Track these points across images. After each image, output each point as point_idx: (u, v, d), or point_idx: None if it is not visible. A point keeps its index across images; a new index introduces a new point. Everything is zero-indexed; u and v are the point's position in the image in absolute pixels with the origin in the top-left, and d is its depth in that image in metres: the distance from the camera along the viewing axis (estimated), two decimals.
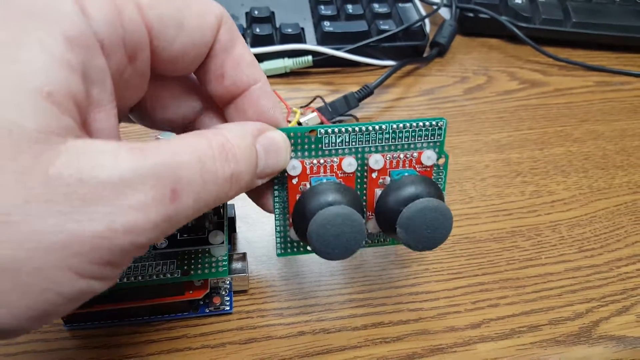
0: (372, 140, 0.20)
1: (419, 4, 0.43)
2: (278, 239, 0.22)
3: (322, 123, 0.34)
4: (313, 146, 0.20)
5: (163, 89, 0.19)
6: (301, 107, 0.35)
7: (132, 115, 0.20)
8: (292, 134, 0.19)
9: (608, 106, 0.38)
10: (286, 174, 0.20)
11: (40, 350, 0.22)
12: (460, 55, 0.43)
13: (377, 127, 0.20)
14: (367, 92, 0.36)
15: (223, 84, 0.18)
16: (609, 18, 0.43)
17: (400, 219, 0.18)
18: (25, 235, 0.12)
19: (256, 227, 0.27)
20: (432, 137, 0.20)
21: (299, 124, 0.34)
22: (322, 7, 0.41)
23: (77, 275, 0.13)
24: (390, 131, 0.20)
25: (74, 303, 0.14)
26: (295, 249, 0.22)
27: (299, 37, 0.39)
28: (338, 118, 0.35)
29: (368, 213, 0.21)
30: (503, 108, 0.38)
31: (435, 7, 0.43)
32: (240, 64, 0.18)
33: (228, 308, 0.23)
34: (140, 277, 0.21)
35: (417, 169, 0.21)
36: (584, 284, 0.25)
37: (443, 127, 0.20)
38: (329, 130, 0.20)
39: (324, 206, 0.18)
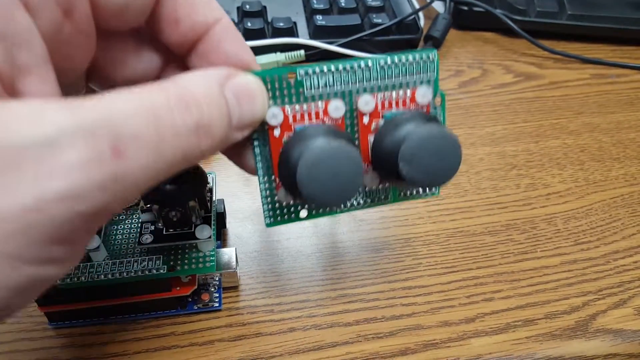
0: (359, 80, 0.18)
1: None
2: (265, 206, 0.19)
3: None
4: (293, 91, 0.17)
5: (115, 46, 0.17)
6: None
7: (92, 83, 0.18)
8: (267, 77, 0.17)
9: (604, 99, 0.38)
10: (266, 126, 0.17)
11: (25, 350, 0.21)
12: (455, 48, 0.42)
13: (362, 64, 0.18)
14: None
15: (179, 29, 0.16)
16: (604, 10, 0.43)
17: (403, 151, 0.16)
18: None
19: (246, 222, 0.27)
20: (425, 73, 0.18)
21: None
22: (315, 0, 0.40)
23: (19, 262, 0.11)
24: (378, 68, 0.18)
25: (30, 293, 0.12)
26: (286, 216, 0.19)
27: (291, 31, 0.38)
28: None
29: (363, 165, 0.19)
30: (498, 101, 0.37)
31: (429, 0, 0.42)
32: (194, 4, 0.16)
33: (217, 305, 0.23)
34: (125, 274, 0.20)
35: (412, 109, 0.19)
36: (580, 277, 0.25)
37: (435, 60, 0.18)
38: (310, 71, 0.17)
39: (315, 144, 0.16)
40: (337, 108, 0.18)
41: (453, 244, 0.26)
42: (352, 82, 0.18)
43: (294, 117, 0.18)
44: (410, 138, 0.16)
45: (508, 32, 0.44)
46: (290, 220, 0.19)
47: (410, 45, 0.40)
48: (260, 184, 0.18)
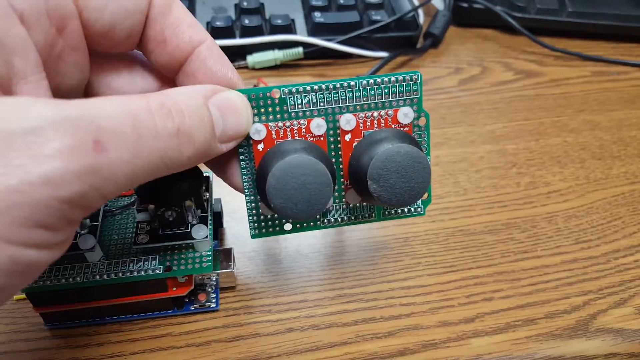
0: (342, 99, 0.18)
1: None
2: (250, 217, 0.20)
3: None
4: (277, 109, 0.18)
5: (110, 69, 0.18)
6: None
7: None
8: (252, 95, 0.18)
9: (605, 96, 0.37)
10: (250, 140, 0.18)
11: (20, 351, 0.21)
12: (455, 46, 0.42)
13: (345, 84, 0.18)
14: None
15: (166, 50, 0.17)
16: (605, 7, 0.43)
17: (370, 170, 0.17)
18: None
19: (244, 222, 0.26)
20: (408, 94, 0.19)
21: None
22: None
23: (2, 242, 0.12)
24: (361, 88, 0.18)
25: (13, 278, 0.12)
26: (270, 229, 0.20)
27: (289, 29, 0.38)
28: None
29: (345, 183, 0.20)
30: (498, 99, 0.37)
31: None
32: (179, 26, 0.17)
33: (214, 305, 0.22)
34: (120, 274, 0.20)
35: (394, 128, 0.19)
36: (581, 276, 0.25)
37: (419, 81, 0.19)
38: (293, 90, 0.18)
39: (283, 159, 0.16)
40: (318, 126, 0.18)
41: (452, 243, 0.26)
42: (334, 101, 0.18)
43: (277, 132, 0.18)
44: (378, 157, 0.16)
45: (508, 30, 0.43)
46: (275, 233, 0.20)
47: (409, 43, 0.40)
48: (245, 196, 0.19)
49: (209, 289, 0.23)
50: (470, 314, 0.23)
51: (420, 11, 0.42)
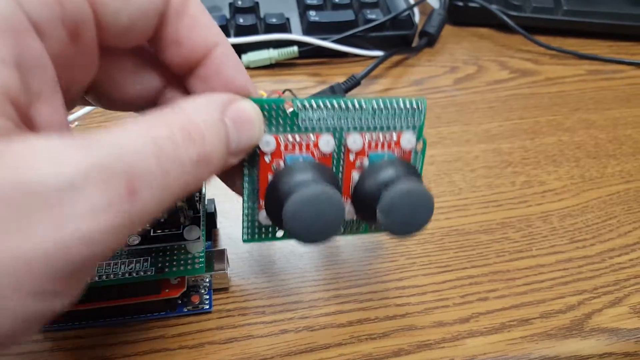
0: (351, 118, 0.19)
1: None
2: (245, 223, 0.20)
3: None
4: (288, 121, 0.18)
5: (115, 64, 0.17)
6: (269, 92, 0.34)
7: (89, 97, 0.18)
8: (265, 105, 0.18)
9: (600, 95, 0.37)
10: (258, 150, 0.18)
11: (12, 354, 0.21)
12: (450, 45, 0.42)
13: (357, 104, 0.19)
14: (353, 83, 0.35)
15: (180, 51, 0.16)
16: (600, 5, 0.43)
17: (382, 203, 0.17)
18: None
19: (238, 222, 0.26)
20: (412, 119, 0.19)
21: None
22: None
23: (31, 297, 0.11)
24: (371, 110, 0.19)
25: (34, 325, 0.12)
26: (264, 235, 0.20)
27: (284, 27, 0.38)
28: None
29: (344, 197, 0.20)
30: (494, 98, 0.37)
31: None
32: (195, 27, 0.16)
33: (207, 307, 0.22)
34: (112, 276, 0.20)
35: (396, 152, 0.20)
36: (576, 276, 0.25)
37: (423, 109, 0.19)
38: (307, 104, 0.18)
39: (304, 185, 0.17)
40: (327, 143, 0.19)
41: (447, 243, 0.26)
42: (344, 119, 0.19)
43: (286, 146, 0.19)
44: (392, 192, 0.17)
45: (503, 28, 0.43)
46: (266, 239, 0.21)
47: (405, 41, 0.40)
48: (243, 202, 0.19)
49: (202, 291, 0.23)
50: (465, 314, 0.23)
51: (416, 10, 0.42)
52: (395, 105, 0.19)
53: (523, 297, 0.24)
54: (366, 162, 0.19)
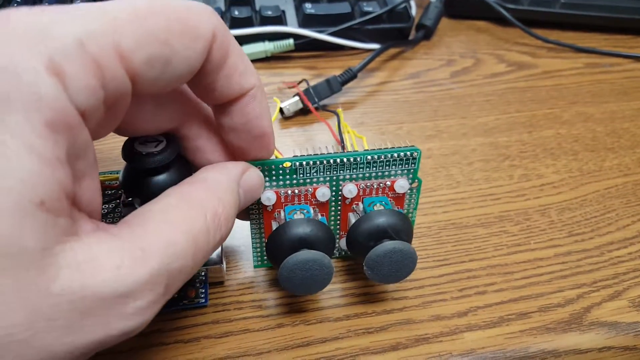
0: (346, 169, 0.20)
1: None
2: (255, 253, 0.23)
3: (305, 107, 0.33)
4: (288, 177, 0.20)
5: (139, 106, 0.17)
6: (284, 84, 0.34)
7: None
8: (266, 167, 0.20)
9: (598, 88, 0.37)
10: (261, 204, 0.20)
11: None
12: (447, 37, 0.42)
13: (352, 159, 0.20)
14: (350, 76, 0.34)
15: (213, 96, 0.17)
16: None
17: (367, 260, 0.19)
18: (30, 350, 0.12)
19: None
20: (407, 166, 0.21)
21: (280, 109, 0.32)
22: None
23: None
24: (365, 162, 0.20)
25: None
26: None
27: (280, 20, 0.37)
28: (321, 102, 0.33)
29: (341, 232, 0.23)
30: (491, 91, 0.37)
31: None
32: (233, 75, 0.16)
33: (203, 301, 0.22)
34: None
35: (390, 196, 0.21)
36: (575, 269, 0.25)
37: (417, 158, 0.21)
38: (304, 163, 0.20)
39: (296, 247, 0.19)
40: (323, 194, 0.21)
41: (445, 237, 0.26)
42: (340, 171, 0.21)
43: (286, 198, 0.21)
44: (377, 251, 0.19)
45: (501, 21, 0.43)
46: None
47: (401, 34, 0.40)
48: (252, 234, 0.22)
49: (198, 285, 0.22)
50: (463, 308, 0.23)
51: (413, 2, 0.41)
52: (390, 157, 0.20)
53: (521, 291, 0.23)
54: (361, 206, 0.21)
